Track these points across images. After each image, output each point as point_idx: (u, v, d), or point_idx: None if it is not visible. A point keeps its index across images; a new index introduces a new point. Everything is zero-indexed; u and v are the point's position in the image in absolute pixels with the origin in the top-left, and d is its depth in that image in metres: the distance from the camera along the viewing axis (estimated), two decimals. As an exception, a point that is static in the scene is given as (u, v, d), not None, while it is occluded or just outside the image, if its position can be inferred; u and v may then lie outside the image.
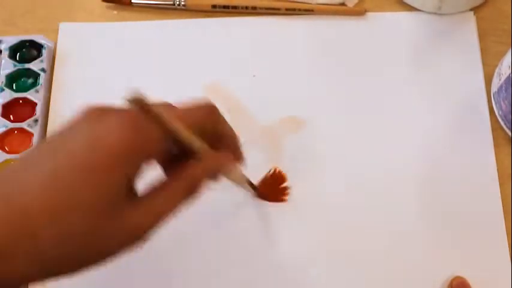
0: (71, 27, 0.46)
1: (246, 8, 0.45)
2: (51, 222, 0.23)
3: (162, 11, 0.46)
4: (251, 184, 0.37)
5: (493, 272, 0.37)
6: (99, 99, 0.35)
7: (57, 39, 0.45)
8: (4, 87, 0.42)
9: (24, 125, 0.41)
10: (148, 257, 0.38)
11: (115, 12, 0.46)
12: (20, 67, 0.43)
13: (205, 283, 0.38)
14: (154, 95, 0.44)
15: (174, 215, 0.27)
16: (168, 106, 0.27)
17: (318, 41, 0.44)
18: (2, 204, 0.23)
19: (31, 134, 0.41)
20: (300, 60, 0.44)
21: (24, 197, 0.23)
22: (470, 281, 0.37)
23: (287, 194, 0.40)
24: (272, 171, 0.40)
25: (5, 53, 0.43)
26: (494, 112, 0.41)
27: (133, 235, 0.25)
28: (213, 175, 0.29)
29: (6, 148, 0.41)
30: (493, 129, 0.41)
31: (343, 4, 0.45)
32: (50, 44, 0.44)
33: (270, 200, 0.39)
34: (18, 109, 0.42)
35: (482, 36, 0.44)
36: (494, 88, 0.41)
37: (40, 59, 0.43)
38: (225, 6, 0.45)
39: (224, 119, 0.30)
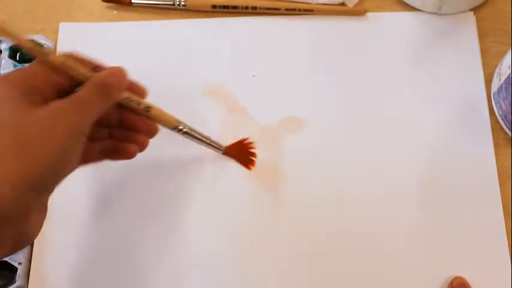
0: (71, 27, 0.46)
1: (246, 8, 0.45)
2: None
3: (162, 11, 0.46)
4: (215, 144, 0.39)
5: (493, 272, 0.37)
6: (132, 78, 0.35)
7: (57, 39, 0.45)
8: (4, 87, 0.42)
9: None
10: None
11: (115, 12, 0.46)
12: (20, 67, 0.43)
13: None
14: (155, 95, 0.45)
15: (91, 111, 0.29)
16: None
17: (318, 41, 0.44)
18: None
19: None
20: (300, 60, 0.44)
21: None
22: (470, 281, 0.37)
23: (254, 161, 0.41)
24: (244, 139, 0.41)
25: (5, 53, 0.43)
26: (494, 112, 0.41)
27: (55, 116, 0.28)
28: (113, 74, 0.32)
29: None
30: (493, 129, 0.41)
31: (343, 4, 0.45)
32: (50, 44, 0.44)
33: (237, 160, 0.41)
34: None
35: (482, 36, 0.44)
36: (494, 88, 0.41)
37: (40, 59, 0.43)
38: (225, 6, 0.45)
39: (89, 58, 0.32)
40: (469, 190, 0.39)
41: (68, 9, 0.46)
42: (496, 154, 0.40)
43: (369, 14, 0.45)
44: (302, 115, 0.42)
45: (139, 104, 0.34)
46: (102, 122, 0.33)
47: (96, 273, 0.38)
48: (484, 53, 0.43)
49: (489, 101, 0.42)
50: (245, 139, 0.41)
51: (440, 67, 0.43)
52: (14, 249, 0.27)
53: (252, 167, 0.41)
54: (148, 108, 0.34)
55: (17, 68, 0.30)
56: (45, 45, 0.44)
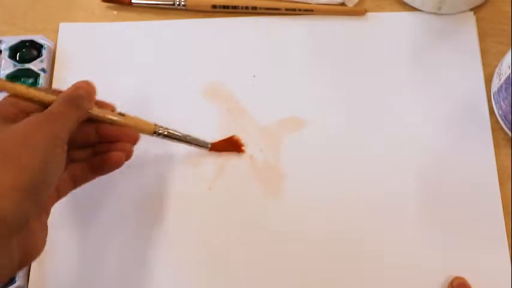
0: (71, 27, 0.46)
1: (246, 8, 0.45)
2: None
3: (162, 11, 0.46)
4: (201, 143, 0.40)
5: (493, 272, 0.37)
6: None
7: (57, 39, 0.45)
8: (4, 87, 0.42)
9: (24, 125, 0.41)
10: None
11: (115, 12, 0.46)
12: (20, 67, 0.43)
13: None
14: (155, 95, 0.45)
15: (62, 126, 0.30)
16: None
17: (318, 41, 0.44)
18: None
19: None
20: (300, 60, 0.44)
21: None
22: (470, 281, 0.37)
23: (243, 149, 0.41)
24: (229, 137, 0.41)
25: (5, 53, 0.43)
26: (494, 112, 0.41)
27: (28, 131, 0.29)
28: (79, 88, 0.33)
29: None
30: (493, 129, 0.41)
31: (343, 4, 0.45)
32: (50, 44, 0.44)
33: (225, 150, 0.41)
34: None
35: (482, 36, 0.44)
36: (494, 88, 0.41)
37: (40, 59, 0.43)
38: (225, 6, 0.45)
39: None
40: (469, 190, 0.39)
41: (68, 9, 0.46)
42: (496, 154, 0.40)
43: (369, 14, 0.45)
44: (302, 115, 0.42)
45: (112, 113, 0.35)
46: (83, 142, 0.35)
47: (96, 273, 0.38)
48: (484, 53, 0.43)
49: (489, 101, 0.42)
50: (233, 136, 0.41)
51: (440, 67, 0.43)
52: (23, 262, 0.28)
53: (242, 149, 0.41)
54: (122, 115, 0.35)
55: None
56: (45, 45, 0.44)
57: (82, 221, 0.40)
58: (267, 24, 0.45)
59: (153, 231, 0.39)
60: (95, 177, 0.35)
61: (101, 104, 0.35)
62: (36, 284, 0.38)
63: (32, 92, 0.32)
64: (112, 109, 0.35)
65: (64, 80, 0.44)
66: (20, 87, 0.32)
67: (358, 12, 0.45)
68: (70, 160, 0.34)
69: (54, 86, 0.43)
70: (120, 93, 0.42)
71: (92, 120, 0.34)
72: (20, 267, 0.28)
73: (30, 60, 0.43)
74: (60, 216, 0.39)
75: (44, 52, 0.44)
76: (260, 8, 0.45)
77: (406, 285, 0.37)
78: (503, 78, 0.39)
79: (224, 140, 0.41)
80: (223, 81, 0.43)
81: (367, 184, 0.40)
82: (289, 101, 0.43)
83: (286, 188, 0.40)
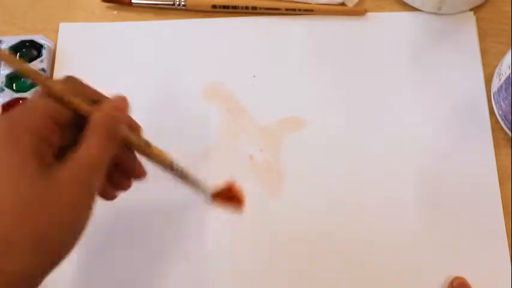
0: (71, 27, 0.46)
1: (246, 8, 0.45)
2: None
3: (162, 11, 0.46)
4: (205, 191, 0.36)
5: (493, 272, 0.37)
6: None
7: (57, 39, 0.45)
8: (4, 87, 0.42)
9: (24, 125, 0.41)
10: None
11: (115, 12, 0.46)
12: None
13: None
14: (155, 95, 0.45)
15: (102, 161, 0.28)
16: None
17: (317, 41, 0.44)
18: None
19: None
20: (300, 60, 0.44)
21: None
22: (470, 281, 0.37)
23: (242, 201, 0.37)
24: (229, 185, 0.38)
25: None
26: (494, 112, 0.41)
27: (70, 181, 0.26)
28: (116, 117, 0.29)
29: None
30: (493, 129, 0.41)
31: (343, 4, 0.45)
32: (50, 44, 0.44)
33: (226, 206, 0.37)
34: (18, 109, 0.42)
35: (482, 36, 0.44)
36: (494, 88, 0.41)
37: (40, 59, 0.43)
38: (225, 6, 0.45)
39: (89, 86, 0.30)
40: (469, 190, 0.39)
41: (68, 9, 0.46)
42: (496, 154, 0.40)
43: (369, 14, 0.45)
44: (302, 115, 0.42)
45: (139, 139, 0.32)
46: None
47: (96, 273, 0.38)
48: (484, 53, 0.43)
49: (489, 101, 0.42)
50: (232, 184, 0.37)
51: (440, 67, 0.43)
52: None
53: (242, 207, 0.37)
54: (148, 143, 0.32)
55: (18, 109, 0.28)
56: (45, 45, 0.44)
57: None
58: (267, 24, 0.45)
59: (154, 229, 0.39)
60: None
61: (131, 123, 0.32)
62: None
63: (74, 101, 0.28)
64: (138, 129, 0.32)
65: (64, 80, 0.44)
66: (56, 88, 0.28)
67: (358, 12, 0.45)
68: None
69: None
70: (120, 94, 0.42)
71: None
72: None
73: (30, 60, 0.43)
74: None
75: (44, 52, 0.44)
76: (260, 8, 0.45)
77: (406, 285, 0.37)
78: (503, 78, 0.39)
79: (224, 191, 0.37)
80: (223, 81, 0.43)
81: (367, 184, 0.40)
82: (289, 101, 0.43)
83: (286, 188, 0.40)
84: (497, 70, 0.41)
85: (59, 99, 0.28)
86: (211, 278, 0.38)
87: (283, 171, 0.40)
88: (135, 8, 0.46)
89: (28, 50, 0.44)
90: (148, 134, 0.33)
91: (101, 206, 0.39)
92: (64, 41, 0.45)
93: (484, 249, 0.38)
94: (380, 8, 0.45)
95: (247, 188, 0.40)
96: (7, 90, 0.42)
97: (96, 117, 0.28)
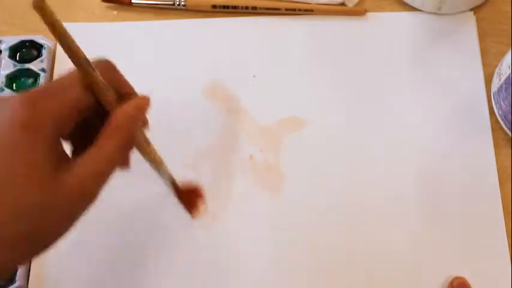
0: (71, 27, 0.45)
1: (246, 8, 0.45)
2: None
3: (162, 11, 0.46)
4: (172, 181, 0.37)
5: (493, 272, 0.37)
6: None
7: (57, 39, 0.45)
8: (4, 87, 0.42)
9: (24, 125, 0.41)
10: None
11: (115, 12, 0.46)
12: (20, 67, 0.43)
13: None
14: (155, 95, 0.44)
15: (116, 166, 0.27)
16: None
17: (317, 41, 0.44)
18: None
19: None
20: (300, 60, 0.44)
21: None
22: (470, 281, 0.37)
23: (198, 209, 0.39)
24: (194, 185, 0.39)
25: (5, 53, 0.43)
26: (494, 112, 0.41)
27: (81, 191, 0.26)
28: (138, 118, 0.29)
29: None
30: (493, 129, 0.41)
31: (343, 4, 0.45)
32: (50, 44, 0.44)
33: (184, 205, 0.39)
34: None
35: (482, 36, 0.44)
36: (494, 88, 0.41)
37: (40, 59, 0.43)
38: (225, 6, 0.45)
39: (121, 74, 0.30)
40: (469, 190, 0.39)
41: (68, 9, 0.46)
42: (496, 154, 0.40)
43: (369, 14, 0.45)
44: (302, 115, 0.42)
45: (143, 137, 0.32)
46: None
47: (96, 273, 0.38)
48: (484, 53, 0.43)
49: (489, 101, 0.42)
50: (196, 186, 0.39)
51: (440, 67, 0.43)
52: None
53: (196, 214, 0.39)
54: (148, 141, 0.32)
55: (52, 84, 0.26)
56: (45, 45, 0.44)
57: (82, 221, 0.40)
58: (267, 24, 0.45)
59: (154, 229, 0.39)
60: None
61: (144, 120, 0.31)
62: (36, 284, 0.38)
63: (109, 95, 0.27)
64: (146, 123, 0.32)
65: (64, 80, 0.44)
66: (97, 78, 0.26)
67: (358, 12, 0.45)
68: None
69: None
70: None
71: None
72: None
73: (30, 60, 0.43)
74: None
75: (44, 52, 0.44)
76: (260, 8, 0.45)
77: (406, 284, 0.37)
78: (503, 78, 0.39)
79: (188, 191, 0.39)
80: (223, 81, 0.43)
81: (367, 184, 0.40)
82: (289, 101, 0.43)
83: (286, 188, 0.40)
84: (497, 70, 0.41)
85: (94, 91, 0.27)
86: (211, 278, 0.38)
87: (283, 171, 0.40)
88: (135, 8, 0.46)
89: (28, 50, 0.44)
90: (148, 134, 0.34)
91: (99, 206, 0.39)
92: (64, 41, 0.45)
93: (484, 249, 0.38)
94: (380, 8, 0.45)
95: (247, 188, 0.40)
96: (7, 90, 0.42)
97: (119, 117, 0.27)
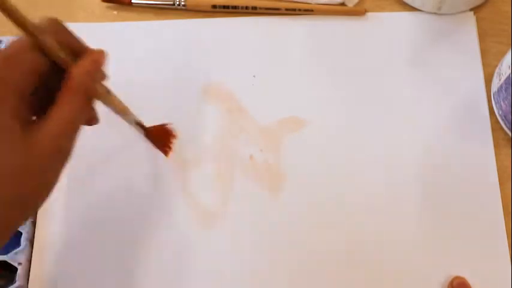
0: (71, 27, 0.46)
1: (246, 8, 0.45)
2: None
3: (162, 11, 0.46)
4: (139, 123, 0.37)
5: (493, 272, 0.37)
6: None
7: (57, 39, 0.45)
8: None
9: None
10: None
11: (115, 12, 0.46)
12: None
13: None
14: (155, 95, 0.44)
15: (79, 123, 0.28)
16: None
17: (317, 41, 0.44)
18: None
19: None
20: (300, 60, 0.44)
21: None
22: (470, 281, 0.37)
23: (171, 147, 0.39)
24: (163, 125, 0.39)
25: (5, 53, 0.43)
26: (494, 112, 0.41)
27: (51, 151, 0.27)
28: (94, 71, 0.29)
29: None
30: (493, 130, 0.41)
31: (343, 4, 0.45)
32: (50, 44, 0.44)
33: (156, 145, 0.39)
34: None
35: (482, 36, 0.44)
36: (494, 88, 0.41)
37: (40, 59, 0.43)
38: (225, 6, 0.45)
39: (71, 32, 0.30)
40: (469, 190, 0.39)
41: (68, 9, 0.46)
42: (496, 154, 0.40)
43: (369, 14, 0.45)
44: (302, 115, 0.42)
45: (102, 88, 0.32)
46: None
47: (96, 274, 0.38)
48: (484, 53, 0.43)
49: (489, 101, 0.42)
50: (166, 124, 0.39)
51: (440, 67, 0.43)
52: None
53: (169, 152, 0.39)
54: (109, 91, 0.32)
55: (4, 55, 0.27)
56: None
57: (82, 221, 0.40)
58: (267, 24, 0.45)
59: (152, 231, 0.39)
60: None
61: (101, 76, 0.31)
62: (36, 284, 0.38)
63: (62, 55, 0.28)
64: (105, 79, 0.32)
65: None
66: (44, 39, 0.27)
67: (358, 12, 0.45)
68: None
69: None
70: (120, 94, 0.42)
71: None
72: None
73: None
74: (60, 216, 0.39)
75: (44, 52, 0.43)
76: (260, 8, 0.45)
77: (406, 284, 0.37)
78: (503, 78, 0.39)
79: (157, 128, 0.38)
80: (223, 81, 0.43)
81: (367, 184, 0.40)
82: (289, 101, 0.43)
83: (286, 188, 0.40)
84: (497, 70, 0.41)
85: (46, 52, 0.27)
86: (211, 278, 0.38)
87: (283, 171, 0.40)
88: (135, 8, 0.46)
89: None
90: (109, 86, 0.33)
91: (98, 207, 0.39)
92: (64, 41, 0.45)
93: (484, 249, 0.38)
94: (380, 8, 0.45)
95: (247, 188, 0.40)
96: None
97: (74, 75, 0.28)
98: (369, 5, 0.45)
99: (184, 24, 0.46)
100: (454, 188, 0.40)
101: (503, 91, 0.39)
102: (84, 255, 0.39)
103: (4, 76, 0.26)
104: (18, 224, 0.27)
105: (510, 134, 0.40)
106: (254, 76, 0.43)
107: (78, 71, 0.28)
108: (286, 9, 0.45)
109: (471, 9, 0.45)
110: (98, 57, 0.30)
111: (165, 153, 0.39)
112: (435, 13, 0.45)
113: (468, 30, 0.44)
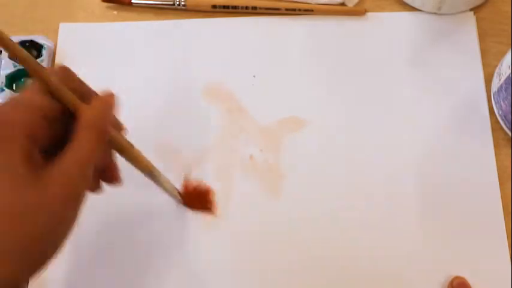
0: (71, 27, 0.46)
1: (246, 8, 0.45)
2: None
3: (162, 11, 0.46)
4: (174, 189, 0.37)
5: (493, 272, 0.37)
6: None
7: (57, 39, 0.45)
8: (4, 88, 0.42)
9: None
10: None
11: (115, 12, 0.46)
12: (20, 67, 0.43)
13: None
14: (155, 95, 0.45)
15: (93, 165, 0.27)
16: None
17: (317, 41, 0.44)
18: None
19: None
20: (300, 60, 0.44)
21: None
22: (470, 281, 0.37)
23: (213, 204, 0.39)
24: (195, 184, 0.40)
25: (5, 53, 0.43)
26: (494, 112, 0.41)
27: (64, 192, 0.26)
28: (107, 113, 0.29)
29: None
30: (493, 129, 0.41)
31: (343, 4, 0.45)
32: (50, 44, 0.44)
33: (195, 208, 0.39)
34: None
35: (482, 36, 0.44)
36: (494, 88, 0.41)
37: (40, 59, 0.43)
38: (225, 6, 0.45)
39: (79, 78, 0.30)
40: (469, 190, 0.39)
41: (68, 9, 0.46)
42: (496, 154, 0.40)
43: (369, 14, 0.45)
44: (302, 115, 0.42)
45: (125, 140, 0.31)
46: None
47: (96, 274, 0.38)
48: (484, 53, 0.43)
49: (489, 101, 0.42)
50: (198, 186, 0.40)
51: (440, 67, 0.43)
52: None
53: (214, 210, 0.39)
54: (131, 145, 0.32)
55: (14, 98, 0.27)
56: (45, 45, 0.44)
57: (82, 221, 0.40)
58: (267, 24, 0.45)
59: (152, 232, 0.39)
60: None
61: (116, 122, 0.31)
62: (36, 284, 0.38)
63: (69, 96, 0.27)
64: (122, 129, 0.32)
65: (64, 80, 0.44)
66: (52, 82, 0.27)
67: (358, 12, 0.45)
68: None
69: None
70: (120, 94, 0.42)
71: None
72: None
73: (30, 60, 0.43)
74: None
75: (44, 52, 0.44)
76: (260, 8, 0.45)
77: (406, 284, 0.37)
78: (503, 78, 0.39)
79: (194, 194, 0.39)
80: (223, 81, 0.43)
81: (367, 184, 0.40)
82: (289, 101, 0.43)
83: (286, 188, 0.40)
84: (497, 70, 0.41)
85: (54, 95, 0.27)
86: (211, 277, 0.38)
87: (283, 171, 0.40)
88: (135, 8, 0.46)
89: (28, 50, 0.44)
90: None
91: (98, 207, 0.39)
92: (64, 41, 0.45)
93: (484, 249, 0.38)
94: (380, 8, 0.45)
95: (247, 188, 0.40)
96: (7, 90, 0.42)
97: (87, 115, 0.27)
98: (369, 5, 0.45)
99: (184, 24, 0.46)
100: (454, 188, 0.40)
101: (503, 91, 0.39)
102: (84, 255, 0.39)
103: (14, 118, 0.26)
104: (31, 274, 0.26)
105: (510, 134, 0.40)
106: (254, 76, 0.43)
107: (89, 112, 0.28)
108: (286, 9, 0.45)
109: (471, 9, 0.45)
110: (108, 99, 0.29)
111: (210, 212, 0.39)
112: (435, 13, 0.45)
113: (468, 30, 0.44)
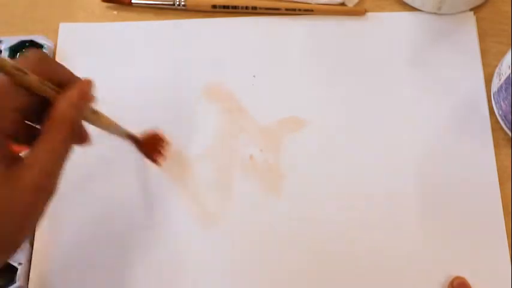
0: (71, 27, 0.46)
1: (246, 8, 0.45)
2: None
3: (162, 11, 0.46)
4: (131, 136, 0.37)
5: (493, 272, 0.37)
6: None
7: (57, 39, 0.45)
8: (4, 87, 0.42)
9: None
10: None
11: (115, 12, 0.46)
12: None
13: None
14: (155, 95, 0.45)
15: (64, 157, 0.28)
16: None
17: (317, 41, 0.44)
18: None
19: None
20: (300, 60, 0.44)
21: None
22: (470, 281, 0.37)
23: (162, 155, 0.39)
24: (153, 133, 0.39)
25: (5, 53, 0.43)
26: (494, 112, 0.41)
27: (35, 187, 0.26)
28: (80, 103, 0.29)
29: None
30: (493, 129, 0.41)
31: (343, 4, 0.45)
32: (50, 44, 0.44)
33: (148, 157, 0.39)
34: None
35: (482, 36, 0.44)
36: (494, 88, 0.41)
37: (40, 59, 0.43)
38: (225, 6, 0.45)
39: (56, 62, 0.30)
40: (469, 190, 0.39)
41: (68, 9, 0.46)
42: (496, 154, 0.40)
43: (369, 14, 0.45)
44: (302, 115, 0.42)
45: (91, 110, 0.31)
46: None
47: (96, 274, 0.38)
48: (484, 53, 0.43)
49: (489, 101, 0.42)
50: (155, 133, 0.39)
51: (440, 67, 0.43)
52: None
53: (160, 159, 0.39)
54: (94, 111, 0.32)
55: None
56: (45, 45, 0.44)
57: (82, 221, 0.40)
58: (267, 24, 0.45)
59: (152, 232, 0.39)
60: None
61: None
62: (36, 284, 0.38)
63: (46, 90, 0.27)
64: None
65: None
66: (29, 78, 0.27)
67: (358, 12, 0.45)
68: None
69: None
70: (120, 94, 0.42)
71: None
72: None
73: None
74: (60, 216, 0.39)
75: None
76: (260, 8, 0.45)
77: (406, 284, 0.37)
78: (503, 78, 0.39)
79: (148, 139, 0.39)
80: (223, 81, 0.43)
81: (367, 184, 0.40)
82: (289, 101, 0.43)
83: (286, 188, 0.40)
84: (497, 70, 0.41)
85: (29, 89, 0.27)
86: (210, 277, 0.38)
87: (283, 171, 0.40)
88: (135, 8, 0.46)
89: (28, 50, 0.44)
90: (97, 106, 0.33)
91: (98, 207, 0.39)
92: (64, 41, 0.45)
93: (484, 249, 0.38)
94: (380, 8, 0.45)
95: (247, 188, 0.40)
96: None
97: (60, 107, 0.28)
98: (369, 5, 0.45)
99: (184, 24, 0.46)
100: (454, 188, 0.40)
101: (503, 91, 0.39)
102: (83, 255, 0.39)
103: None
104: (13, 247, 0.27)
105: (510, 134, 0.40)
106: (254, 76, 0.43)
107: (63, 104, 0.28)
108: (286, 9, 0.45)
109: (471, 9, 0.45)
110: (84, 88, 0.29)
111: (156, 161, 0.39)
112: (435, 13, 0.45)
113: (468, 30, 0.44)
